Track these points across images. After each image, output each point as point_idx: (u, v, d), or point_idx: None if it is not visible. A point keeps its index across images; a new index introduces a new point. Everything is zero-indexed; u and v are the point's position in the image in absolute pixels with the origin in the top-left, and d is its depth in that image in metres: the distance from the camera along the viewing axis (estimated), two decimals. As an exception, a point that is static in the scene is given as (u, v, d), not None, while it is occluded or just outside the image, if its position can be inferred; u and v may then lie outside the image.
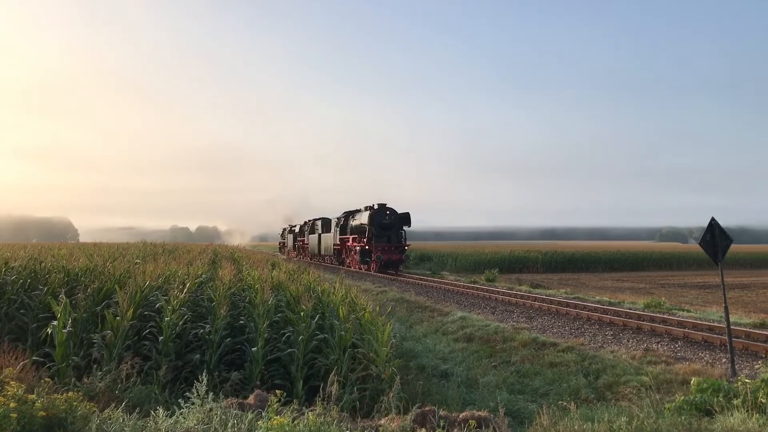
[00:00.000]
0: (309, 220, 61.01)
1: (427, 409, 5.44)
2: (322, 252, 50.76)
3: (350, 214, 43.08)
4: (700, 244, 9.54)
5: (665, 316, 15.41)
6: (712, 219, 9.49)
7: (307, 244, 58.52)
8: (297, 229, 69.18)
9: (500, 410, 5.44)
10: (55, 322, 7.06)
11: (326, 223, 52.37)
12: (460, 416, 5.45)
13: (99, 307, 8.43)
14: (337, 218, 45.62)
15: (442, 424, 5.11)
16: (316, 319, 8.35)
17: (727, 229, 9.71)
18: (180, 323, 7.92)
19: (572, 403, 6.26)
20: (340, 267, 43.39)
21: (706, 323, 14.08)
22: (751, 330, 13.30)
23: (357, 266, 39.44)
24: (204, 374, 5.66)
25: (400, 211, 38.38)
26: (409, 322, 16.22)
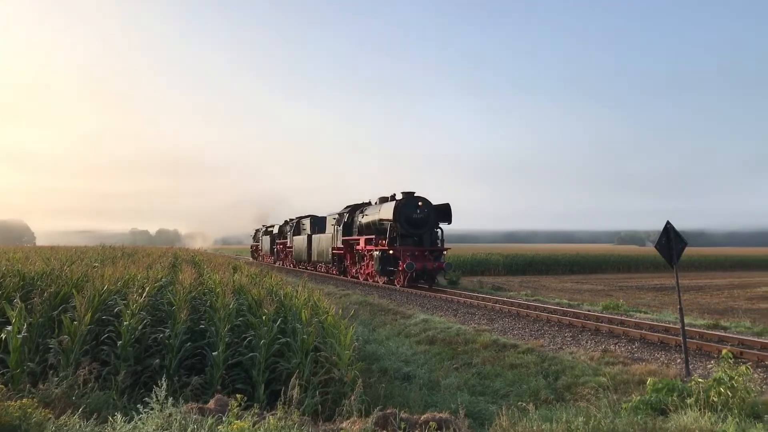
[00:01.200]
0: (292, 219, 50.71)
1: (388, 411, 5.47)
2: (314, 258, 40.51)
3: (357, 209, 33.58)
4: (656, 247, 9.76)
5: (623, 318, 15.72)
6: (668, 223, 9.71)
7: (291, 247, 48.70)
8: (275, 230, 58.85)
9: (461, 412, 5.49)
10: (9, 327, 6.91)
11: (318, 221, 42.83)
12: (422, 418, 5.49)
13: (56, 312, 8.26)
14: (338, 214, 35.40)
15: (403, 426, 5.14)
16: (278, 322, 8.31)
17: (683, 233, 9.95)
18: (139, 327, 7.81)
19: (531, 404, 6.36)
20: (343, 278, 34.15)
21: (662, 324, 14.40)
22: (705, 331, 13.66)
23: (372, 277, 29.84)
24: (164, 379, 5.60)
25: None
26: (372, 325, 16.24)
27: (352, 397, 5.94)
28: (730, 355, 7.47)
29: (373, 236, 29.01)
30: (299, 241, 45.33)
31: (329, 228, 37.32)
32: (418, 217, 27.34)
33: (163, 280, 12.44)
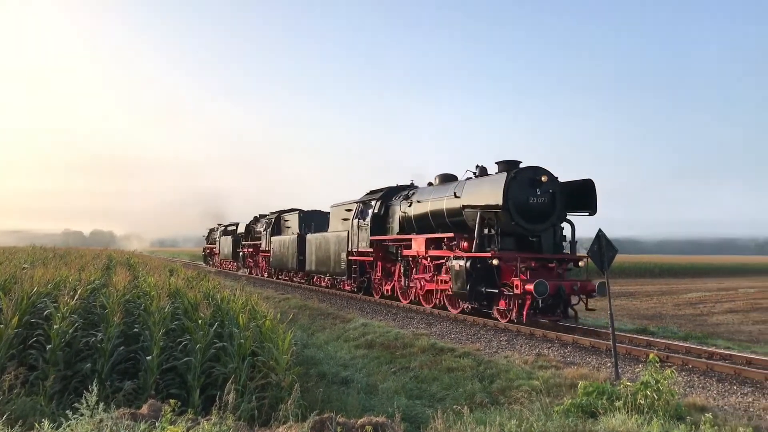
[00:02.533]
0: (266, 214, 39.67)
1: (325, 416, 5.49)
2: (311, 266, 28.39)
3: (396, 193, 22.42)
4: (587, 254, 10.07)
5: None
6: (599, 230, 10.03)
7: (267, 251, 37.30)
8: (239, 229, 46.08)
9: (397, 416, 5.55)
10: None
11: (311, 217, 33.49)
12: (358, 422, 5.52)
13: (-20, 315, 7.97)
14: (359, 203, 24.14)
15: (339, 430, 5.16)
16: (215, 327, 8.23)
17: (616, 241, 10.29)
18: (70, 331, 7.61)
19: (466, 408, 6.47)
20: (367, 297, 23.54)
21: (594, 329, 14.82)
22: (634, 336, 14.16)
23: (450, 302, 18.05)
24: (95, 384, 5.47)
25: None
26: (311, 330, 16.19)
27: (289, 402, 5.92)
28: (657, 359, 7.77)
29: (445, 234, 17.69)
30: (282, 243, 33.52)
31: (338, 224, 26.40)
32: (538, 203, 15.86)
33: (97, 282, 12.17)
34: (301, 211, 34.01)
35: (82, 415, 4.93)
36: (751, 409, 8.13)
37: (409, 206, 20.26)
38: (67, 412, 5.15)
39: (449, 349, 12.38)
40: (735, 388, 9.24)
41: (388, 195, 22.54)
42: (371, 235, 22.26)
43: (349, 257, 24.04)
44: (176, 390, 7.29)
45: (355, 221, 23.79)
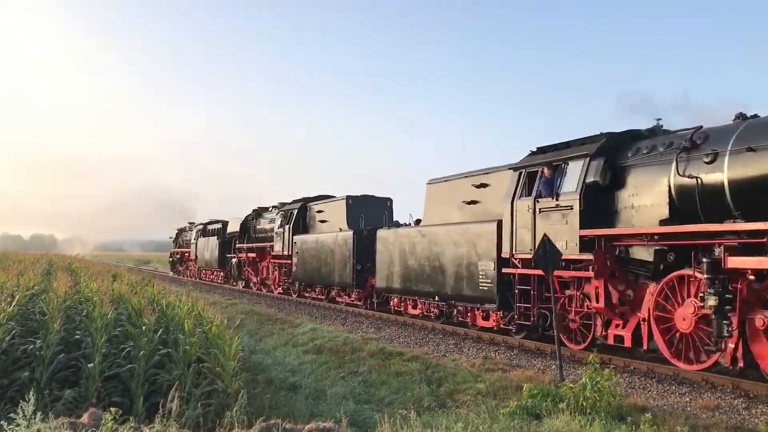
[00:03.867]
0: (291, 203, 27.90)
1: (271, 422, 5.46)
2: (391, 282, 18.18)
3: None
4: (533, 258, 10.25)
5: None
6: (545, 235, 10.24)
7: (288, 260, 26.37)
8: (231, 228, 35.30)
9: (344, 420, 5.55)
10: None
11: (362, 203, 23.59)
12: (306, 428, 5.51)
13: None
14: (546, 164, 12.53)
15: (286, 436, 5.14)
16: (159, 333, 8.10)
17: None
18: (7, 338, 7.38)
19: (414, 411, 6.51)
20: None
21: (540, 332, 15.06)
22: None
23: None
24: (32, 393, 5.31)
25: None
26: (259, 335, 16.04)
27: (235, 409, 5.87)
28: (597, 360, 7.97)
29: None
30: (318, 244, 23.48)
31: (450, 211, 16.32)
32: None
33: (36, 288, 11.85)
34: (349, 198, 23.53)
35: (18, 425, 4.78)
36: (689, 409, 8.39)
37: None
38: (2, 422, 4.99)
39: (398, 353, 12.43)
40: (674, 388, 9.51)
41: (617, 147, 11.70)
42: (588, 226, 11.33)
43: (502, 269, 13.49)
44: (119, 398, 7.15)
45: (524, 203, 12.75)
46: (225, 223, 37.02)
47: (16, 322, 8.37)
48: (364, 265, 20.67)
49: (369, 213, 23.16)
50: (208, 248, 38.35)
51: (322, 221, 24.98)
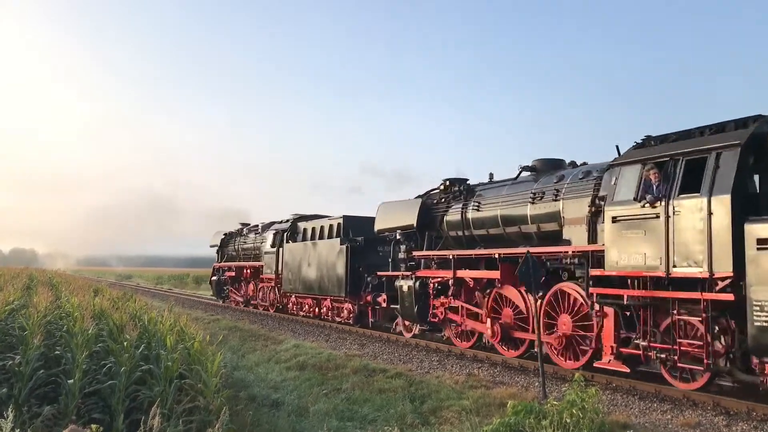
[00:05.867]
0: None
1: (254, 439, 5.42)
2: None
3: None
4: (516, 274, 10.32)
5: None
6: (528, 252, 10.32)
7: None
8: (344, 227, 20.96)
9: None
10: None
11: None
12: (288, 445, 5.47)
13: None
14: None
15: (268, 453, 5.11)
16: (141, 349, 8.03)
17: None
18: (-15, 354, 7.29)
19: (397, 429, 6.50)
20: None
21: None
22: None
23: None
24: (10, 409, 5.24)
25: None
26: (242, 351, 15.95)
27: (217, 426, 5.82)
28: (582, 378, 7.99)
29: None
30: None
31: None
32: None
33: (16, 303, 11.71)
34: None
35: (-4, 442, 4.72)
36: (670, 426, 8.45)
37: None
38: (-19, 439, 4.91)
39: (381, 369, 12.41)
40: (656, 405, 9.57)
41: None
42: None
43: None
44: (99, 414, 7.06)
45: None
46: (328, 219, 22.85)
47: (-5, 337, 8.28)
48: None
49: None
50: (313, 259, 22.40)
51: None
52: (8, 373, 7.37)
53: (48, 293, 12.65)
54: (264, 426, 8.05)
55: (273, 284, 26.05)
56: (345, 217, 21.28)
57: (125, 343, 7.81)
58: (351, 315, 20.23)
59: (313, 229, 23.30)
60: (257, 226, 30.17)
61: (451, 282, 14.59)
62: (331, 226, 21.92)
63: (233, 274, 31.01)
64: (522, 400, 8.58)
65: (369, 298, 19.06)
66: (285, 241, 24.87)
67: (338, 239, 20.63)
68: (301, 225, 24.60)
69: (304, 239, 23.91)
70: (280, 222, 26.91)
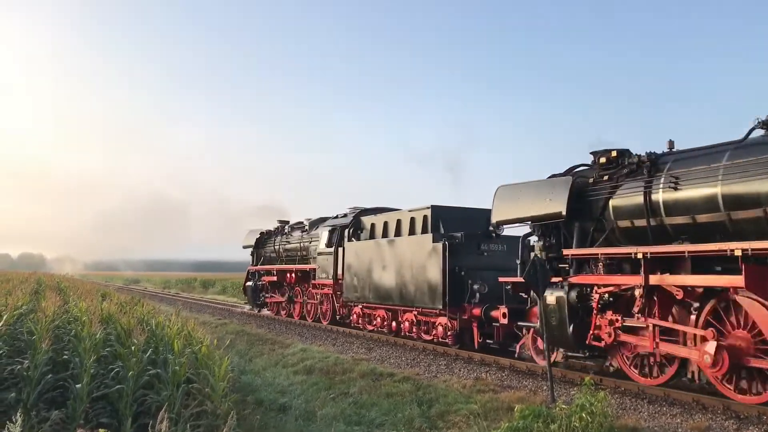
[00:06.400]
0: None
1: (262, 443, 5.41)
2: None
3: None
4: (524, 277, 10.30)
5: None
6: (535, 256, 10.30)
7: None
8: (434, 220, 16.66)
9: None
10: None
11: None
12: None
13: None
14: None
15: (276, 458, 5.10)
16: (149, 353, 8.04)
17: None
18: (-6, 359, 7.32)
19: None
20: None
21: (531, 353, 15.03)
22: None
23: None
24: (19, 414, 5.25)
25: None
26: (249, 356, 15.95)
27: (225, 430, 5.81)
28: (591, 382, 7.96)
29: None
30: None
31: None
32: None
33: (24, 307, 11.75)
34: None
35: (5, 446, 4.72)
36: (680, 430, 8.40)
37: None
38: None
39: (389, 373, 12.38)
40: (665, 409, 9.51)
41: None
42: None
43: None
44: (107, 419, 7.07)
45: None
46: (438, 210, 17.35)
47: (4, 342, 8.29)
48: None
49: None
50: (389, 260, 17.98)
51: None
52: (17, 377, 7.39)
53: (56, 298, 12.70)
54: (272, 430, 8.05)
55: (330, 291, 21.89)
56: (434, 207, 16.95)
57: (133, 348, 7.82)
58: (450, 333, 15.47)
59: (386, 223, 18.96)
60: (302, 223, 26.36)
61: (639, 292, 10.33)
62: (413, 219, 17.60)
63: (274, 278, 26.35)
64: (530, 404, 8.56)
65: (477, 311, 14.69)
66: (346, 239, 20.77)
67: (428, 235, 16.31)
68: (367, 219, 20.36)
69: (372, 236, 19.67)
70: (335, 217, 23.04)
